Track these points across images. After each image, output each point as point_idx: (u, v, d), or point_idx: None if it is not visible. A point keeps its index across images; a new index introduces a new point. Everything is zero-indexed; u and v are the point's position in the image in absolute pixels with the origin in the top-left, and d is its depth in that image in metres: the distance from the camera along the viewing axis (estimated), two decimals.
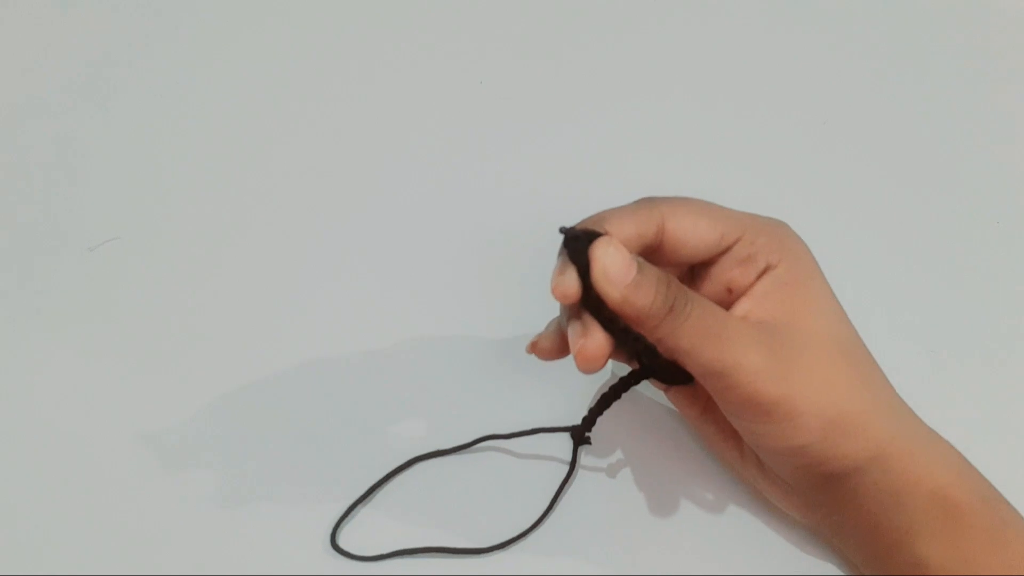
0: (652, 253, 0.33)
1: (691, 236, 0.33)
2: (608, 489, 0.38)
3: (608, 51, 0.50)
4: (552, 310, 0.34)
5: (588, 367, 0.31)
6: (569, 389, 0.40)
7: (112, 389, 0.40)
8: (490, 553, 0.37)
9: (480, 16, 0.52)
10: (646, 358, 0.33)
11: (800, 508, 0.36)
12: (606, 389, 0.36)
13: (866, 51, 0.50)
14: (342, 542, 0.37)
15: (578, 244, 0.29)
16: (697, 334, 0.30)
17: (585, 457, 0.39)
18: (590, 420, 0.37)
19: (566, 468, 0.39)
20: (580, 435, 0.38)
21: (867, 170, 0.47)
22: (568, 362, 0.32)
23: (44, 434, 0.39)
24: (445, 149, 0.47)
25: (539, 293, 0.33)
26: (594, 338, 0.31)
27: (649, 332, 0.31)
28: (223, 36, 0.50)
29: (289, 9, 0.52)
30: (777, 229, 0.35)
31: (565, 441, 0.39)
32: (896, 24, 0.51)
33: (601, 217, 0.33)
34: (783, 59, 0.50)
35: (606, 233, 0.30)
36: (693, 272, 0.35)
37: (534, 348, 0.34)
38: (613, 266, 0.29)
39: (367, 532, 0.37)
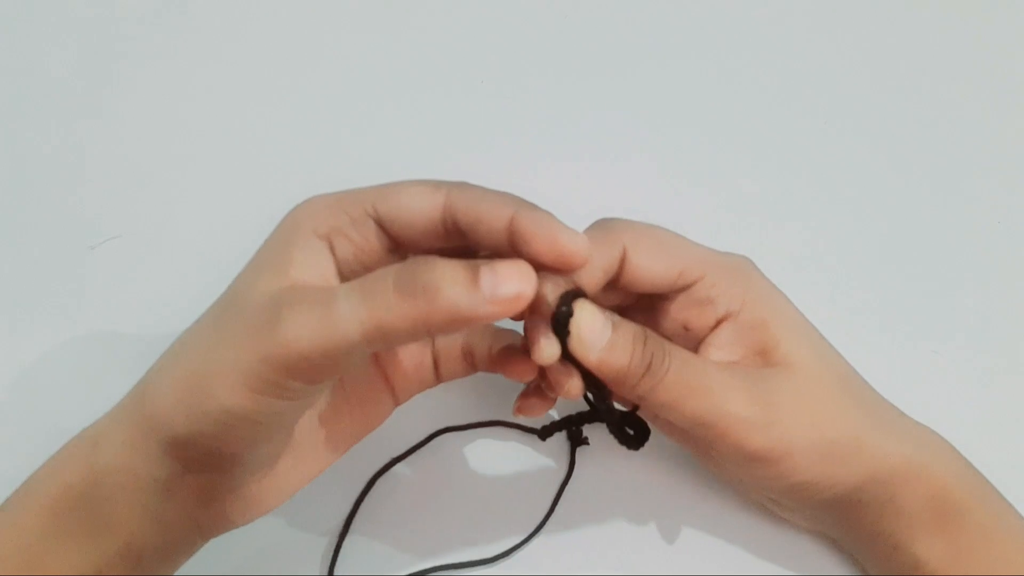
0: (609, 282, 0.33)
1: (648, 273, 0.33)
2: (606, 490, 0.38)
3: (606, 51, 0.50)
4: None
5: (571, 398, 0.31)
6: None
7: (113, 388, 0.40)
8: (495, 563, 0.37)
9: (481, 17, 0.51)
10: (610, 421, 0.32)
11: (803, 522, 0.36)
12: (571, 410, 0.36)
13: (866, 50, 0.50)
14: None
15: (563, 315, 0.29)
16: (677, 388, 0.30)
17: (581, 458, 0.39)
18: (549, 431, 0.37)
19: (542, 466, 0.38)
20: (576, 437, 0.38)
21: (867, 170, 0.47)
22: None
23: (44, 434, 0.39)
24: (444, 149, 0.47)
25: None
26: (576, 385, 0.30)
27: (628, 392, 0.30)
28: (225, 36, 0.50)
29: (289, 11, 0.52)
30: (738, 270, 0.34)
31: (561, 443, 0.39)
32: (895, 22, 0.51)
33: None
34: (783, 58, 0.50)
35: (580, 289, 0.29)
36: (652, 302, 0.35)
37: (520, 411, 0.34)
38: (588, 330, 0.29)
39: (362, 561, 0.37)
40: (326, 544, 0.37)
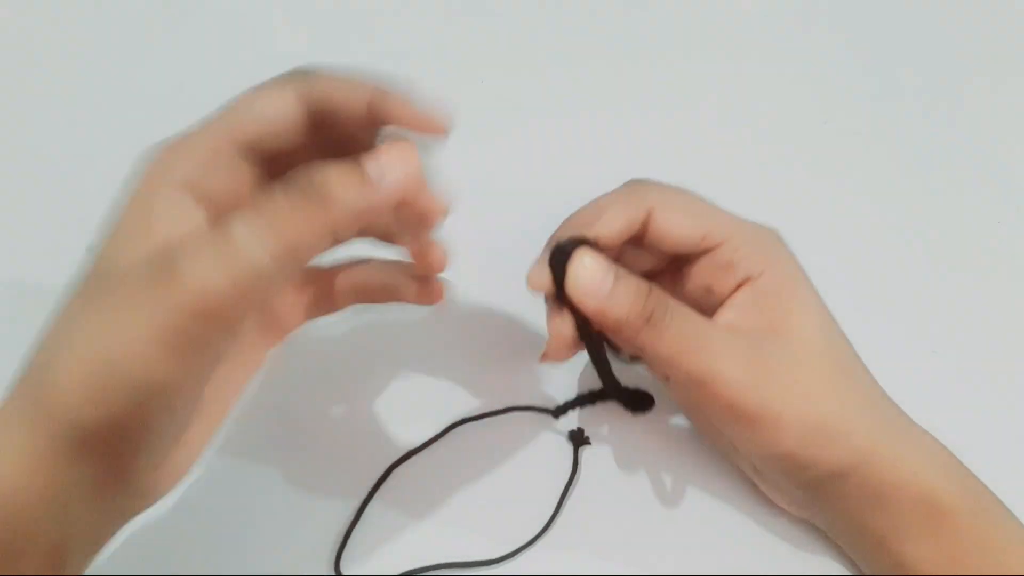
0: (635, 239, 0.34)
1: (673, 232, 0.34)
2: (609, 489, 0.38)
3: (606, 49, 0.50)
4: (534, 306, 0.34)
5: (558, 354, 0.33)
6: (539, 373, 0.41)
7: None
8: (500, 563, 0.37)
9: (481, 17, 0.52)
10: (603, 376, 0.34)
11: (792, 505, 0.36)
12: (584, 390, 0.37)
13: (866, 50, 0.50)
14: (346, 570, 0.36)
15: (559, 254, 0.31)
16: (676, 344, 0.31)
17: (585, 458, 0.39)
18: (563, 410, 0.38)
19: (547, 465, 0.38)
20: (579, 437, 0.39)
21: (867, 170, 0.47)
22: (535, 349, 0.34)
23: None
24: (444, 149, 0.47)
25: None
26: (567, 326, 0.32)
27: (627, 340, 0.31)
28: (225, 36, 0.50)
29: (289, 10, 0.52)
30: (763, 238, 0.35)
31: (552, 441, 0.39)
32: (896, 23, 0.51)
33: (598, 206, 0.34)
34: (783, 58, 0.50)
35: (592, 240, 0.31)
36: (679, 266, 0.35)
37: (546, 358, 0.35)
38: (587, 278, 0.31)
39: (367, 554, 0.37)
40: (334, 538, 0.37)
